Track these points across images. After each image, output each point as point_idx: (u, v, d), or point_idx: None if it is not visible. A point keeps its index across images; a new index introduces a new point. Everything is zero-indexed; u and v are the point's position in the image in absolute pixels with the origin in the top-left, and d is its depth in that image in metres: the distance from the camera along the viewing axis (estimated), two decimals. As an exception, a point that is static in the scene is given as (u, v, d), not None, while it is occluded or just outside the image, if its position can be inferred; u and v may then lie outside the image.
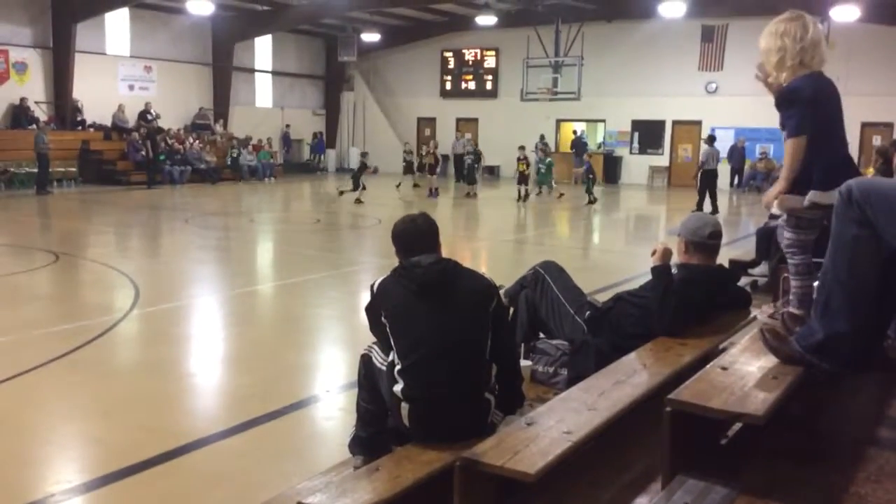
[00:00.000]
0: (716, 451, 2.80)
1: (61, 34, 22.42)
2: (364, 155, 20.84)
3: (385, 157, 30.55)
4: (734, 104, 25.06)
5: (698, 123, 26.18)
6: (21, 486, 4.09)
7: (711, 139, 18.99)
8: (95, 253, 11.86)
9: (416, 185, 23.35)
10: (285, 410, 5.20)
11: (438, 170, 22.06)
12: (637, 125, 27.33)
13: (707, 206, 17.28)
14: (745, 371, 2.88)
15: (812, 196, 3.38)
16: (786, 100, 3.48)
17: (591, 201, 19.67)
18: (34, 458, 4.49)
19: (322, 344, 7.35)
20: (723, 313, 4.20)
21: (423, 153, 22.64)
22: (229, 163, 25.54)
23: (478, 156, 23.01)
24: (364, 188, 18.85)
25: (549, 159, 21.80)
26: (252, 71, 29.14)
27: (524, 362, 3.95)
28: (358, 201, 18.32)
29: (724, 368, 2.92)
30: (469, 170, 21.76)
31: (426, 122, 31.06)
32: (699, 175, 18.18)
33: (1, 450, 4.49)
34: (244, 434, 4.79)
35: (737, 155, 24.80)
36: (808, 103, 3.39)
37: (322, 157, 30.73)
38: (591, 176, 20.36)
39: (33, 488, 4.07)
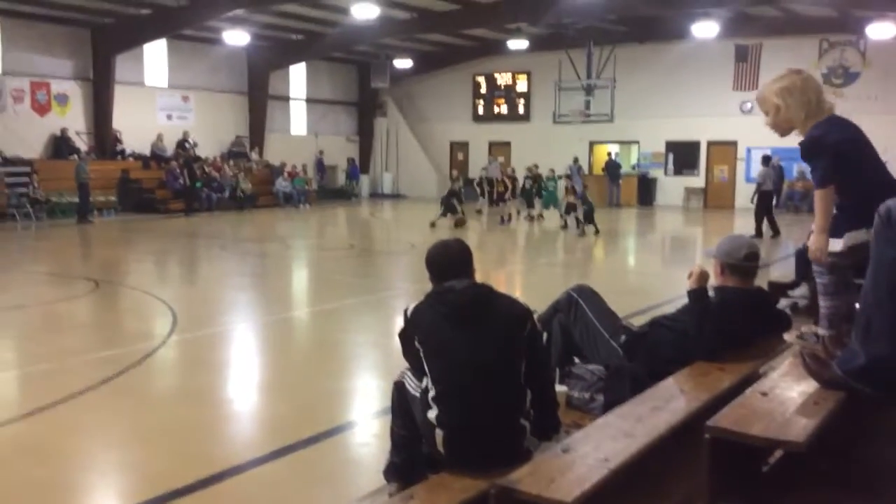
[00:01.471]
0: (757, 478, 2.75)
1: (101, 66, 22.97)
2: (456, 179, 20.54)
3: (418, 182, 30.75)
4: (770, 124, 24.81)
5: (734, 144, 25.95)
6: (61, 513, 4.12)
7: (767, 159, 18.51)
8: (134, 280, 12.04)
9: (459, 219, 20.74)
10: (320, 437, 5.20)
11: (507, 196, 21.46)
12: (671, 146, 27.16)
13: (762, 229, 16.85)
14: (785, 396, 2.83)
15: (847, 240, 3.35)
16: (809, 151, 3.49)
17: (596, 231, 17.83)
18: (73, 484, 4.53)
19: (356, 370, 7.35)
20: (762, 337, 4.12)
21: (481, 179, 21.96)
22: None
23: (535, 179, 21.53)
24: (456, 212, 18.86)
25: (558, 180, 21.03)
26: (287, 99, 29.54)
27: (559, 388, 3.91)
28: (459, 223, 18.56)
29: (765, 394, 2.86)
30: (527, 194, 21.26)
31: (459, 147, 31.18)
32: (756, 197, 17.53)
33: (42, 477, 4.54)
34: (279, 461, 4.79)
35: (774, 174, 24.47)
36: (832, 150, 3.36)
37: (356, 182, 30.93)
38: (584, 205, 18.24)
39: (73, 515, 4.11)
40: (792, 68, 3.72)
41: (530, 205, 21.09)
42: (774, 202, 24.33)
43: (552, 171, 20.80)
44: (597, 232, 17.64)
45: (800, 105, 3.42)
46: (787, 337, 3.93)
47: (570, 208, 18.72)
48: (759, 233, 16.67)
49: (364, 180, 31.62)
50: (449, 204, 18.95)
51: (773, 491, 2.57)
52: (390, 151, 31.95)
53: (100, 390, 6.12)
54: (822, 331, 3.60)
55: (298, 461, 4.83)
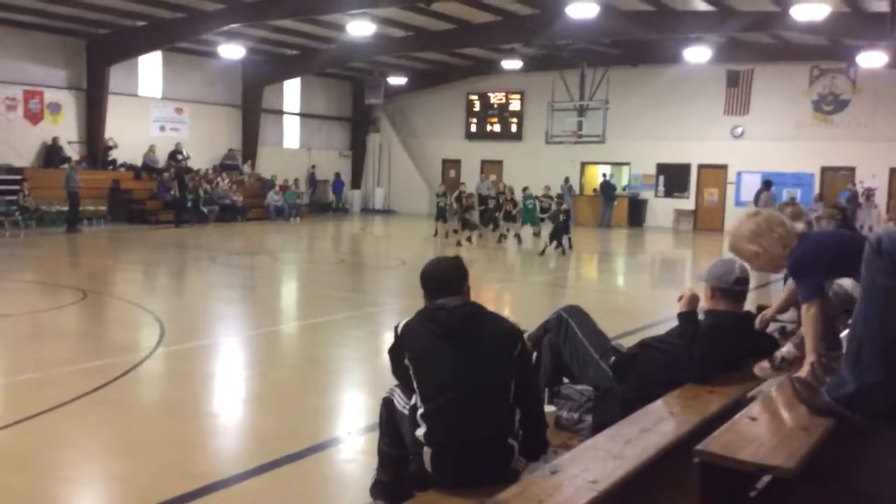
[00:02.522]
0: (746, 503, 2.74)
1: (95, 76, 22.95)
2: (442, 195, 20.63)
3: (409, 198, 30.77)
4: (760, 148, 25.03)
5: (724, 167, 26.13)
6: (42, 526, 4.08)
7: (768, 184, 18.51)
8: (122, 291, 11.98)
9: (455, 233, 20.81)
10: (306, 452, 5.17)
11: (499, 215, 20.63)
12: (662, 168, 27.32)
13: None
14: (775, 422, 2.83)
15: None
16: (796, 270, 3.45)
17: (563, 250, 17.54)
18: (57, 496, 4.49)
19: (344, 385, 7.32)
20: (751, 360, 4.13)
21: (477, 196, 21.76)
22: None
23: (497, 200, 21.22)
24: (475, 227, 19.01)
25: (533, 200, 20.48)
26: (280, 113, 29.58)
27: (548, 408, 3.90)
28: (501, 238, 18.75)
29: (754, 419, 2.86)
30: (489, 213, 21.24)
31: (451, 164, 31.26)
32: None
33: (23, 487, 4.49)
34: (265, 476, 4.76)
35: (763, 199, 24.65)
36: (817, 265, 3.37)
37: (340, 196, 30.76)
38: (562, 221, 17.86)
39: (54, 528, 4.06)
40: (748, 211, 3.75)
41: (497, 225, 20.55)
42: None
43: (547, 187, 20.63)
44: (563, 252, 17.42)
45: (774, 242, 3.45)
46: (757, 371, 3.91)
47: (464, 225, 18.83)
48: None
49: (356, 195, 31.63)
50: (466, 220, 19.21)
51: (762, 516, 2.56)
52: (382, 167, 32.00)
53: (85, 401, 6.07)
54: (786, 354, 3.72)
55: (284, 476, 4.80)
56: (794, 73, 24.61)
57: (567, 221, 18.11)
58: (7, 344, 8.37)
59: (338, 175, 30.61)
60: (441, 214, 20.37)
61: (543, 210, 19.06)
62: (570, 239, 17.86)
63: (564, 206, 18.50)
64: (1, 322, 9.16)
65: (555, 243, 17.38)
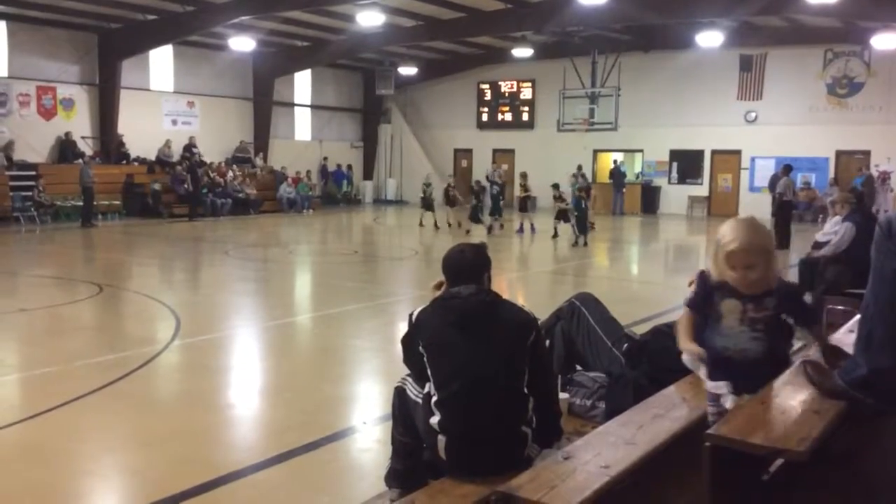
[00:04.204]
0: (757, 487, 2.74)
1: (107, 71, 23.07)
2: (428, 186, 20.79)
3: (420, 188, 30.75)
4: (774, 133, 24.85)
5: (738, 153, 25.97)
6: (62, 516, 4.14)
7: (788, 169, 18.24)
8: (138, 284, 12.06)
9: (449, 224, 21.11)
10: (322, 442, 5.20)
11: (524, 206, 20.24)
12: (675, 155, 27.18)
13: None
14: (786, 405, 2.83)
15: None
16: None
17: (585, 243, 17.27)
18: (76, 488, 4.54)
19: (359, 375, 7.36)
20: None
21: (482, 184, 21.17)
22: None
23: (501, 187, 21.42)
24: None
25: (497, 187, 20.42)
26: (291, 105, 29.62)
27: (561, 395, 3.91)
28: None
29: (765, 403, 2.86)
30: (493, 200, 21.19)
31: (463, 154, 31.23)
32: (780, 208, 17.05)
33: (43, 480, 4.55)
34: (281, 466, 4.80)
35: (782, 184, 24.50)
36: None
37: (341, 186, 30.69)
38: (576, 213, 17.59)
39: (74, 518, 4.12)
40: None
41: (493, 212, 20.37)
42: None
43: (580, 172, 20.58)
44: (585, 243, 17.21)
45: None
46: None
47: (560, 215, 18.26)
48: (784, 244, 16.48)
49: (368, 186, 31.67)
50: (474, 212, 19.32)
51: (774, 499, 2.57)
52: (394, 158, 32.00)
53: (102, 394, 6.13)
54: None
55: (299, 466, 4.84)
56: (808, 56, 24.41)
57: (566, 210, 18.00)
58: (25, 338, 8.46)
59: (339, 166, 30.47)
60: (427, 204, 20.44)
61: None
62: (572, 227, 17.68)
63: (559, 194, 18.47)
64: (19, 316, 9.25)
65: (576, 233, 17.31)
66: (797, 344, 4.43)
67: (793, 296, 3.07)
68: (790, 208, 17.37)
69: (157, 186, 22.69)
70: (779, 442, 2.48)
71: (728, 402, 2.95)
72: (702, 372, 3.16)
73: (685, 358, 3.35)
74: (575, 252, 16.57)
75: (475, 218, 19.32)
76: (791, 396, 2.93)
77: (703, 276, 3.05)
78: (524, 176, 20.12)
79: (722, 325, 2.97)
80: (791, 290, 3.06)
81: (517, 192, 20.93)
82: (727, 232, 2.90)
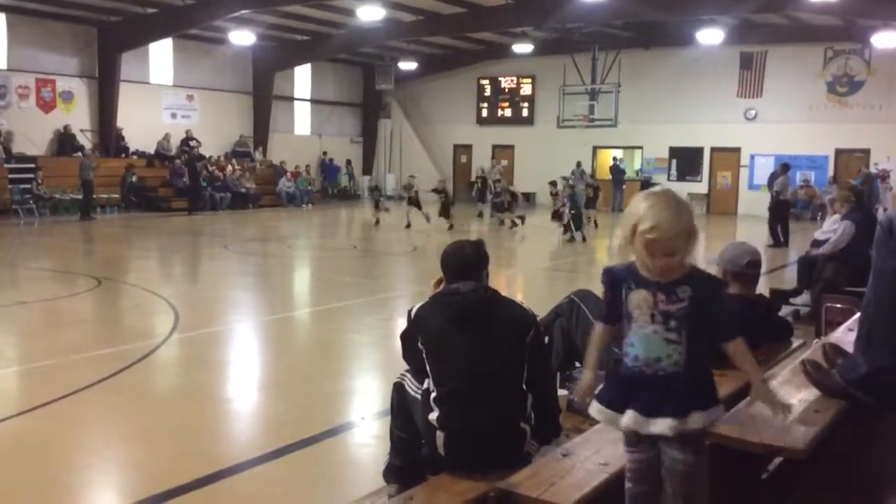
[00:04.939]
0: (757, 485, 2.75)
1: (107, 64, 23.00)
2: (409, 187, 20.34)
3: (421, 183, 30.66)
4: (774, 131, 24.84)
5: (737, 150, 25.96)
6: (60, 510, 4.14)
7: (786, 167, 18.22)
8: (136, 278, 12.05)
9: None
10: (320, 437, 5.20)
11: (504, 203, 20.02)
12: (675, 152, 27.16)
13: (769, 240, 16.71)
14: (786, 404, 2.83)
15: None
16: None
17: (583, 238, 17.18)
18: (74, 481, 4.54)
19: (357, 371, 7.35)
20: (763, 343, 4.12)
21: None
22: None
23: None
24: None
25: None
26: (291, 99, 29.57)
27: (560, 392, 3.92)
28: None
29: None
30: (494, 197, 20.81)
31: (462, 150, 31.20)
32: (776, 206, 16.99)
33: (41, 473, 4.55)
34: (279, 460, 4.80)
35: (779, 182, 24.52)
36: None
37: (335, 181, 30.57)
38: (572, 211, 17.31)
39: (72, 511, 4.12)
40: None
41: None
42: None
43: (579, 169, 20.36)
44: (584, 239, 17.10)
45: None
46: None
47: (555, 215, 17.88)
48: (782, 241, 16.49)
49: (366, 181, 31.60)
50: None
51: (773, 497, 2.57)
52: (394, 153, 31.97)
53: (100, 387, 6.13)
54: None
55: (298, 461, 4.84)
56: (808, 54, 24.39)
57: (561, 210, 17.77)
58: (23, 331, 8.45)
59: (332, 160, 30.34)
60: (413, 202, 19.50)
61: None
62: (565, 225, 17.46)
63: (554, 191, 18.25)
64: (17, 309, 9.24)
65: (571, 230, 17.20)
66: (795, 342, 4.45)
67: (709, 287, 2.52)
68: (787, 207, 17.35)
69: (133, 179, 22.49)
70: (779, 440, 2.49)
71: (655, 426, 2.43)
72: (593, 409, 2.61)
73: (575, 392, 2.85)
74: (573, 248, 16.56)
75: (500, 208, 19.80)
76: (791, 395, 2.93)
77: (608, 273, 2.61)
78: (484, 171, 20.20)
79: (633, 328, 2.53)
80: (707, 279, 2.54)
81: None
82: (646, 215, 2.44)
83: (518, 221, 19.16)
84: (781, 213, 17.03)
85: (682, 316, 2.47)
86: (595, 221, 19.03)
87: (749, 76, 25.53)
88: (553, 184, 18.72)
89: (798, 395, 2.92)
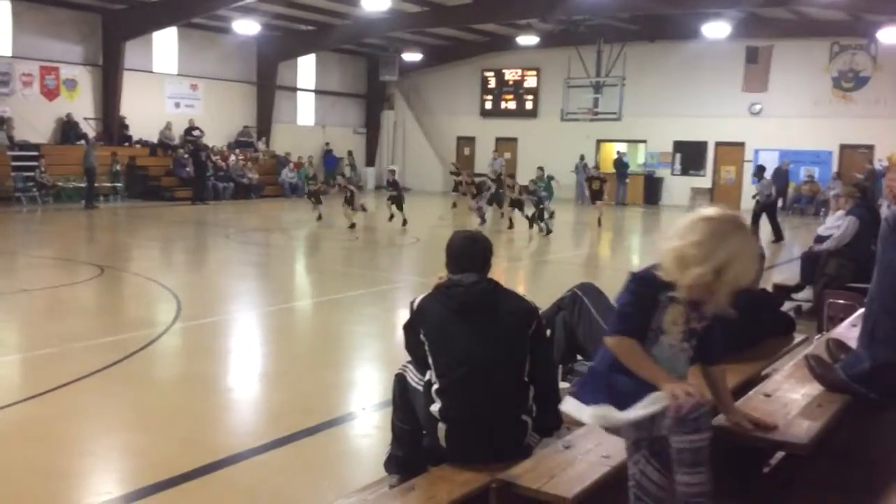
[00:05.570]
0: (758, 479, 2.74)
1: (111, 52, 22.96)
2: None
3: (423, 176, 30.70)
4: (778, 126, 24.77)
5: (741, 145, 25.90)
6: (61, 497, 4.15)
7: (762, 169, 18.20)
8: (139, 266, 12.06)
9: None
10: (321, 427, 5.21)
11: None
12: (679, 146, 27.11)
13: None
14: (788, 398, 2.83)
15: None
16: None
17: (548, 230, 16.76)
18: (75, 469, 4.55)
19: (358, 361, 7.36)
20: (765, 339, 4.12)
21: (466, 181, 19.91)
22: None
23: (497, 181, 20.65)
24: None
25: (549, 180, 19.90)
26: (295, 90, 29.52)
27: (562, 384, 3.91)
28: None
29: (768, 395, 2.86)
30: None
31: (465, 142, 31.15)
32: (762, 209, 16.86)
33: (43, 460, 4.56)
34: (280, 450, 4.81)
35: (781, 177, 24.46)
36: None
37: (332, 172, 30.33)
38: (542, 206, 17.01)
39: (73, 499, 4.13)
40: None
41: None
42: (780, 205, 24.32)
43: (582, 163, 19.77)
44: (548, 232, 16.72)
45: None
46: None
47: (515, 203, 17.48)
48: (779, 237, 16.50)
49: (370, 173, 31.59)
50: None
51: (774, 492, 2.56)
52: (397, 144, 31.94)
53: (102, 375, 6.14)
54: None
55: (299, 451, 4.84)
56: (814, 49, 24.30)
57: (521, 200, 17.49)
58: (26, 319, 8.47)
59: (330, 152, 30.18)
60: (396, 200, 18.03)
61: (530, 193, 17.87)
62: (528, 217, 17.13)
63: (513, 182, 17.89)
64: (20, 297, 9.25)
65: (536, 221, 16.91)
66: (798, 337, 4.44)
67: (722, 309, 2.49)
68: (774, 205, 17.21)
69: (118, 168, 22.29)
70: (781, 435, 2.48)
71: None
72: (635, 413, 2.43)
73: (652, 402, 2.40)
74: (574, 242, 16.55)
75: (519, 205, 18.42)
76: (793, 389, 2.93)
77: (649, 283, 2.47)
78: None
79: (662, 343, 2.45)
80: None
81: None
82: (738, 256, 2.32)
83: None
84: (770, 212, 16.90)
85: (699, 333, 2.48)
86: (599, 220, 18.82)
87: (754, 70, 25.44)
88: (534, 182, 18.12)
89: (801, 390, 2.91)
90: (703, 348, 2.55)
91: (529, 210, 17.24)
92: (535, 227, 16.94)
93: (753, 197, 17.58)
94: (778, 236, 16.76)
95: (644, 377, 2.38)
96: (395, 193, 18.03)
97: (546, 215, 17.01)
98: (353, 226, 17.12)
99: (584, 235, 18.04)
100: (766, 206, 16.83)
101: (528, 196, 17.50)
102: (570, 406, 2.63)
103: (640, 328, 2.46)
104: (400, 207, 17.66)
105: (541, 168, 19.17)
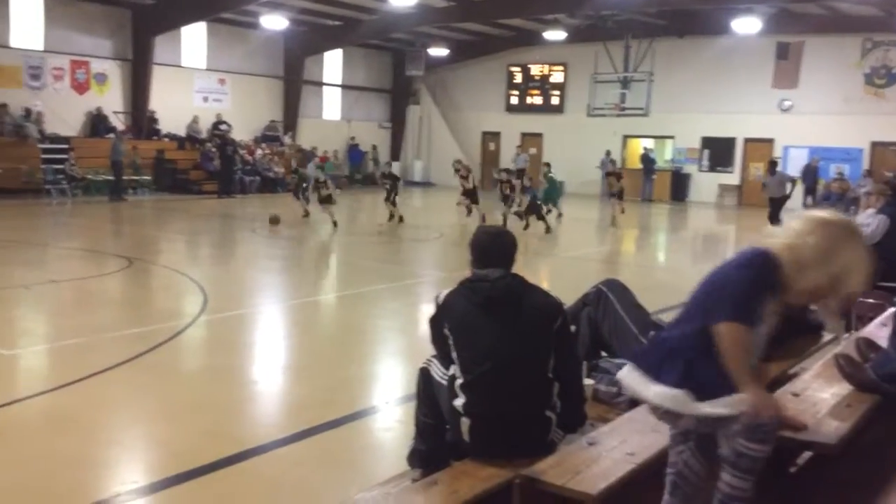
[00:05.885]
0: (785, 478, 2.71)
1: (140, 47, 23.17)
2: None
3: (448, 171, 30.58)
4: (808, 123, 24.44)
5: (771, 142, 25.60)
6: (89, 486, 4.19)
7: (775, 164, 17.90)
8: (167, 259, 12.17)
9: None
10: (344, 420, 5.23)
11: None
12: (707, 142, 26.85)
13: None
14: (817, 398, 2.79)
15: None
16: None
17: (546, 228, 16.36)
18: (103, 458, 4.60)
19: (381, 355, 7.37)
20: (793, 338, 4.06)
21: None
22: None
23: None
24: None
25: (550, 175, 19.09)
26: (321, 84, 29.62)
27: (586, 381, 3.89)
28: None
29: (796, 395, 2.82)
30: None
31: (491, 137, 31.09)
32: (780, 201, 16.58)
33: (71, 449, 4.61)
34: (303, 442, 4.83)
35: (810, 174, 24.18)
36: None
37: (359, 167, 30.44)
38: (538, 202, 16.90)
39: (101, 488, 4.18)
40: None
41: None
42: (810, 201, 24.01)
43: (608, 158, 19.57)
44: (547, 230, 16.35)
45: None
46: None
47: (505, 200, 16.74)
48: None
49: (395, 167, 31.60)
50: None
51: (801, 491, 2.53)
52: (422, 139, 31.94)
53: (129, 366, 6.20)
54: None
55: (322, 443, 4.86)
56: (846, 45, 23.93)
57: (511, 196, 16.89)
58: (55, 309, 8.58)
59: (356, 146, 30.27)
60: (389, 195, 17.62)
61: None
62: (517, 214, 16.68)
63: (505, 178, 17.11)
64: (49, 288, 9.37)
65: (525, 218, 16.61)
66: (826, 336, 4.38)
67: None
68: (783, 201, 16.75)
69: (137, 161, 22.32)
70: (809, 434, 2.44)
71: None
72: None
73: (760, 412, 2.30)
74: (600, 238, 16.46)
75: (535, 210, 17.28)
76: (822, 389, 2.89)
77: (776, 263, 2.36)
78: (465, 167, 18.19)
79: (758, 333, 2.41)
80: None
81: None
82: (857, 267, 2.30)
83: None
84: (774, 211, 16.55)
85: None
86: (622, 209, 18.56)
87: (785, 67, 25.11)
88: (508, 171, 17.89)
89: (830, 389, 2.87)
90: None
91: (511, 208, 16.70)
92: (525, 222, 16.46)
93: (764, 192, 17.17)
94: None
95: (733, 374, 2.30)
96: (390, 187, 17.55)
97: (543, 211, 16.76)
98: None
99: (600, 233, 17.91)
100: (780, 203, 16.48)
101: (528, 193, 17.18)
102: (630, 377, 2.56)
103: (755, 317, 2.37)
104: (394, 203, 17.32)
105: (547, 164, 19.02)
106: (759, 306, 2.36)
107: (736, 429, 2.25)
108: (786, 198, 16.70)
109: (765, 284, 2.36)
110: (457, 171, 18.08)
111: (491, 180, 20.90)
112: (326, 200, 16.65)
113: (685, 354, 2.43)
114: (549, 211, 17.81)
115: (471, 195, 17.42)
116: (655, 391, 2.44)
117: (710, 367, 2.35)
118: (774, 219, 16.24)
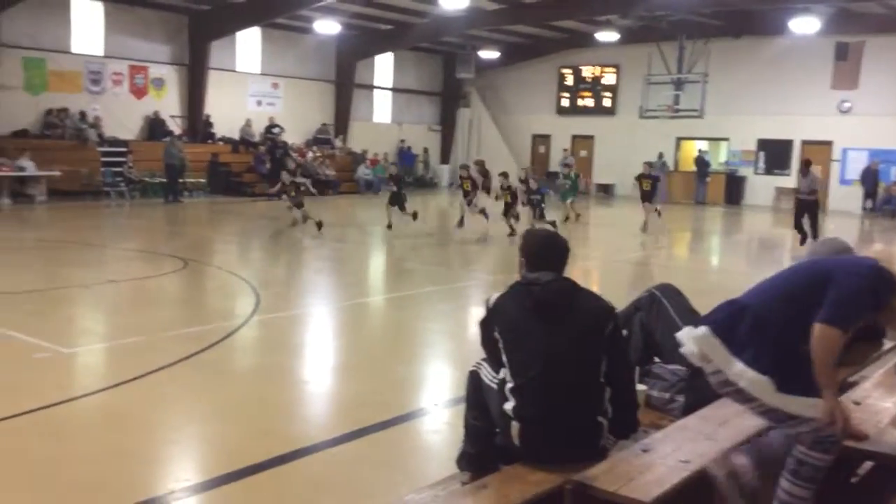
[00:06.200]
0: (846, 489, 2.63)
1: (197, 52, 23.65)
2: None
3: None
4: (868, 124, 23.82)
5: (829, 144, 25.00)
6: (145, 482, 4.27)
7: (809, 163, 17.22)
8: (221, 260, 12.36)
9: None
10: (393, 421, 5.24)
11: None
12: (763, 144, 26.34)
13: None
14: (879, 407, 2.70)
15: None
16: None
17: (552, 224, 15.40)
18: (157, 455, 4.68)
19: (431, 358, 7.38)
20: (853, 344, 3.94)
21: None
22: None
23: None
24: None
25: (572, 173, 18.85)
26: (371, 87, 29.83)
27: (639, 387, 3.83)
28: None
29: (857, 403, 2.74)
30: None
31: (541, 140, 30.95)
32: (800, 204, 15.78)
33: (127, 445, 4.71)
34: (352, 443, 4.85)
35: (870, 177, 23.55)
36: None
37: (409, 168, 30.36)
38: (543, 204, 16.23)
39: (156, 484, 4.25)
40: None
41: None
42: (870, 206, 23.37)
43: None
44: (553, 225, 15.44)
45: None
46: None
47: (508, 209, 15.94)
48: (812, 235, 15.39)
49: (444, 170, 31.72)
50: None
51: (863, 502, 2.45)
52: (472, 142, 31.93)
53: (183, 365, 6.30)
54: None
55: (371, 444, 4.88)
56: (909, 45, 23.28)
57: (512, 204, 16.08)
58: (113, 308, 8.77)
59: (409, 148, 30.37)
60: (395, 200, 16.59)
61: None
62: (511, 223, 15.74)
63: (506, 185, 16.28)
64: (108, 288, 9.60)
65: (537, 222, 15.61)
66: (887, 344, 4.24)
67: None
68: (808, 206, 15.92)
69: (175, 161, 22.29)
70: (871, 445, 2.37)
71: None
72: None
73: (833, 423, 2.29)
74: (652, 241, 16.24)
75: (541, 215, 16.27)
76: (883, 398, 2.80)
77: (886, 277, 2.34)
78: (505, 176, 16.81)
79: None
80: None
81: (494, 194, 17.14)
82: None
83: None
84: (802, 212, 15.77)
85: None
86: (658, 210, 17.64)
87: (844, 67, 24.50)
88: (505, 175, 16.84)
89: (892, 398, 2.78)
90: None
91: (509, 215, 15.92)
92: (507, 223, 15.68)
93: (796, 193, 16.43)
94: (803, 238, 15.50)
95: (819, 377, 2.27)
96: (396, 191, 16.54)
97: (544, 214, 16.03)
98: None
99: (648, 237, 17.65)
100: (808, 205, 15.74)
101: (533, 195, 16.35)
102: (708, 345, 2.52)
103: (853, 327, 2.37)
104: (402, 208, 16.34)
105: (567, 164, 18.66)
106: (861, 318, 2.35)
107: (804, 431, 2.20)
108: (816, 203, 15.90)
109: (874, 298, 2.33)
110: (462, 179, 16.57)
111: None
112: (300, 205, 16.12)
113: (778, 341, 2.38)
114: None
115: (507, 207, 15.93)
116: (739, 370, 2.39)
117: (802, 364, 2.30)
118: (799, 226, 15.54)
